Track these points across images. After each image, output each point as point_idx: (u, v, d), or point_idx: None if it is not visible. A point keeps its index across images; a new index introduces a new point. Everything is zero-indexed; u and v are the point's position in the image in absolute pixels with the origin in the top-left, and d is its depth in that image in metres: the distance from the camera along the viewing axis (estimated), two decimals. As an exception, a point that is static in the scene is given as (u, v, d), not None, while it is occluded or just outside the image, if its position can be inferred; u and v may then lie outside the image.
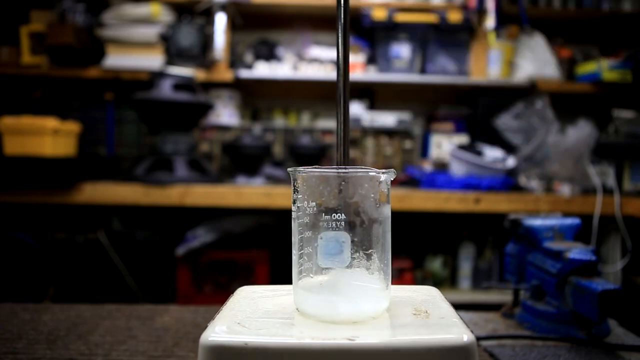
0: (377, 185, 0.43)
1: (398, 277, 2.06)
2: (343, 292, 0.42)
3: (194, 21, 2.06)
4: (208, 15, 2.16)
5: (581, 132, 1.85)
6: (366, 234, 0.43)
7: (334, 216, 0.42)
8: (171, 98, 1.82)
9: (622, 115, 2.01)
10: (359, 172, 0.43)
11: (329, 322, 0.42)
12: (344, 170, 0.43)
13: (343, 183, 0.42)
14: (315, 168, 0.43)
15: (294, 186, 0.44)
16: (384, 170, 0.43)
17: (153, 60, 2.13)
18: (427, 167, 2.17)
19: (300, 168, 0.43)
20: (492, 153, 1.99)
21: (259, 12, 2.37)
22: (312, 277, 0.44)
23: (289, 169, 0.45)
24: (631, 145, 1.95)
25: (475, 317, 0.74)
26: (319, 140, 2.17)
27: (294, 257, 0.45)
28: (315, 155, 2.08)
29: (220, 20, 2.12)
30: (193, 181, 1.82)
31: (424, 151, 2.39)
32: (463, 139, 2.28)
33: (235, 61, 2.32)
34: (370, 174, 0.43)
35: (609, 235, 1.93)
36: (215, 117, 2.30)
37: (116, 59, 2.17)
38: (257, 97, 2.51)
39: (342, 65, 0.50)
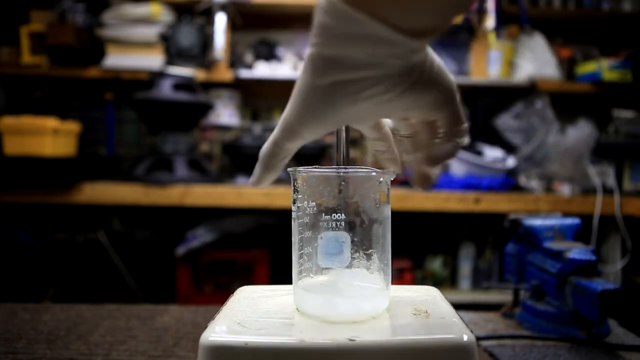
0: (377, 185, 0.43)
1: (398, 277, 2.06)
2: (343, 292, 0.43)
3: (194, 21, 2.06)
4: (208, 15, 2.16)
5: (581, 132, 1.85)
6: (366, 234, 0.43)
7: (334, 216, 0.42)
8: (171, 98, 1.82)
9: (622, 115, 2.01)
10: (359, 172, 0.43)
11: (329, 322, 0.42)
12: (344, 170, 0.43)
13: (343, 183, 0.42)
14: (315, 168, 0.43)
15: (294, 186, 0.44)
16: (384, 171, 0.43)
17: (153, 60, 2.13)
18: (427, 167, 2.17)
19: (300, 168, 0.43)
20: (492, 153, 1.99)
21: (259, 12, 2.37)
22: (312, 277, 0.44)
23: (288, 169, 0.45)
24: (631, 145, 1.95)
25: (475, 317, 0.74)
26: (319, 140, 2.17)
27: (294, 257, 0.45)
28: (315, 155, 2.08)
29: (220, 20, 2.12)
30: (193, 181, 1.82)
31: (424, 151, 2.38)
32: (463, 139, 2.28)
33: (235, 61, 2.32)
34: (371, 174, 0.43)
35: (609, 235, 1.93)
36: (215, 117, 2.30)
37: (116, 59, 2.17)
38: (257, 97, 2.51)
39: (342, 65, 0.50)
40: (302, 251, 0.44)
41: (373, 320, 0.42)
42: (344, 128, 0.46)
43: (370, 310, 0.43)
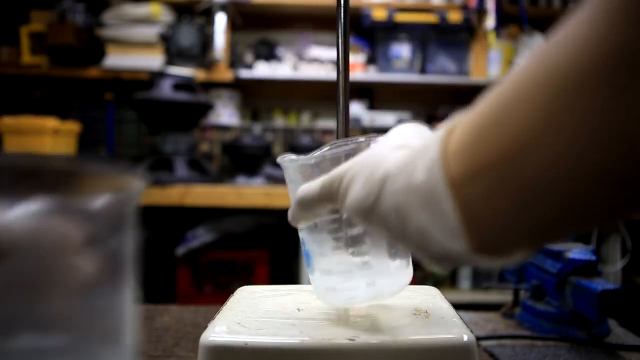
0: None
1: (398, 277, 2.06)
2: (375, 272, 0.41)
3: (194, 21, 2.06)
4: (208, 15, 2.16)
5: (581, 132, 1.84)
6: None
7: None
8: (171, 98, 1.82)
9: (622, 115, 2.01)
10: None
11: (361, 302, 0.42)
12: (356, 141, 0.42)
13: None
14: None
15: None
16: None
17: (153, 60, 2.13)
18: (427, 167, 2.17)
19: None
20: (492, 153, 1.99)
21: (259, 12, 2.37)
22: (341, 264, 0.42)
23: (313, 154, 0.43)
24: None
25: (475, 317, 0.74)
26: (319, 140, 2.17)
27: (320, 245, 0.42)
28: (312, 149, 2.08)
29: (220, 20, 2.12)
30: (193, 181, 1.82)
31: (424, 151, 2.38)
32: (463, 139, 2.28)
33: (235, 61, 2.32)
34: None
35: (609, 235, 1.93)
36: (215, 117, 2.30)
37: (116, 59, 2.17)
38: (257, 97, 2.51)
39: (342, 65, 0.50)
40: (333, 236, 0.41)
41: (373, 319, 0.42)
42: (342, 115, 0.45)
43: (402, 284, 0.42)
